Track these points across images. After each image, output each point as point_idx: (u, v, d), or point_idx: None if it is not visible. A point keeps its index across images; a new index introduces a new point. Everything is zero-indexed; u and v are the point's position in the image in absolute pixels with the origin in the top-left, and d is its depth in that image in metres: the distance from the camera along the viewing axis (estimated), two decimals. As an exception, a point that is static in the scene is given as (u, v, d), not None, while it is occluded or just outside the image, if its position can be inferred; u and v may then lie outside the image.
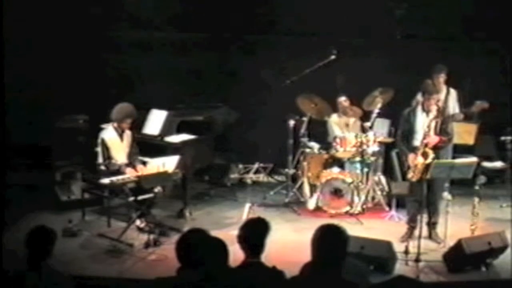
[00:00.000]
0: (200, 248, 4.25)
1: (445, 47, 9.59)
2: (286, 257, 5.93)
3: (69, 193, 8.46)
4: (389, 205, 8.41)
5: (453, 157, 7.74)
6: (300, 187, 8.85)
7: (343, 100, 8.90)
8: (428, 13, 9.77)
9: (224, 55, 10.07)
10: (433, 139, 7.13)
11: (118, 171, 7.48)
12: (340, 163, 8.69)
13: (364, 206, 8.42)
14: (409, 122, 7.33)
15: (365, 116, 8.77)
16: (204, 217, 8.25)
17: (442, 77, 8.73)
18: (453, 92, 8.87)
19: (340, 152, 8.53)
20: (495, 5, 9.24)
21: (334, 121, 9.02)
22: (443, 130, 7.21)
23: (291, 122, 8.79)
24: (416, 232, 7.01)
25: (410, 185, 7.37)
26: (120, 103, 7.69)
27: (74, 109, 8.93)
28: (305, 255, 4.24)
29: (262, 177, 9.99)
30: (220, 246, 4.37)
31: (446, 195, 8.54)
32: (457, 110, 8.83)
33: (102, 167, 7.58)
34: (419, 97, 8.41)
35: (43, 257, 4.43)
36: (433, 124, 7.15)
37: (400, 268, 6.61)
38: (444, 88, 8.74)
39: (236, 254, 4.46)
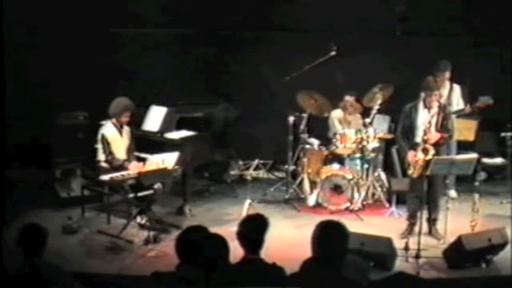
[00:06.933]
0: (200, 246, 4.24)
1: (445, 43, 9.57)
2: (286, 254, 5.91)
3: (69, 190, 8.46)
4: (389, 201, 8.39)
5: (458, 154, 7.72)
6: (300, 184, 8.84)
7: (349, 99, 8.83)
8: (428, 10, 9.75)
9: (224, 52, 10.05)
10: (434, 135, 7.12)
11: (122, 167, 7.47)
12: (340, 159, 8.68)
13: (364, 203, 8.42)
14: (410, 118, 7.29)
15: (365, 112, 8.75)
16: (204, 214, 8.25)
17: (447, 74, 8.64)
18: (456, 88, 8.77)
19: (340, 148, 8.52)
20: (495, 3, 9.24)
21: (336, 117, 9.00)
22: (444, 126, 7.19)
23: (291, 119, 8.76)
24: (416, 229, 6.99)
25: (411, 181, 7.36)
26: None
27: (74, 106, 8.92)
28: (305, 252, 4.24)
29: (262, 174, 9.93)
30: (220, 243, 4.37)
31: (452, 192, 8.60)
32: (461, 105, 8.74)
33: (104, 164, 7.57)
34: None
35: (35, 254, 4.42)
36: (434, 121, 7.13)
37: (400, 264, 6.60)
38: (447, 84, 8.70)
39: (236, 251, 4.45)
